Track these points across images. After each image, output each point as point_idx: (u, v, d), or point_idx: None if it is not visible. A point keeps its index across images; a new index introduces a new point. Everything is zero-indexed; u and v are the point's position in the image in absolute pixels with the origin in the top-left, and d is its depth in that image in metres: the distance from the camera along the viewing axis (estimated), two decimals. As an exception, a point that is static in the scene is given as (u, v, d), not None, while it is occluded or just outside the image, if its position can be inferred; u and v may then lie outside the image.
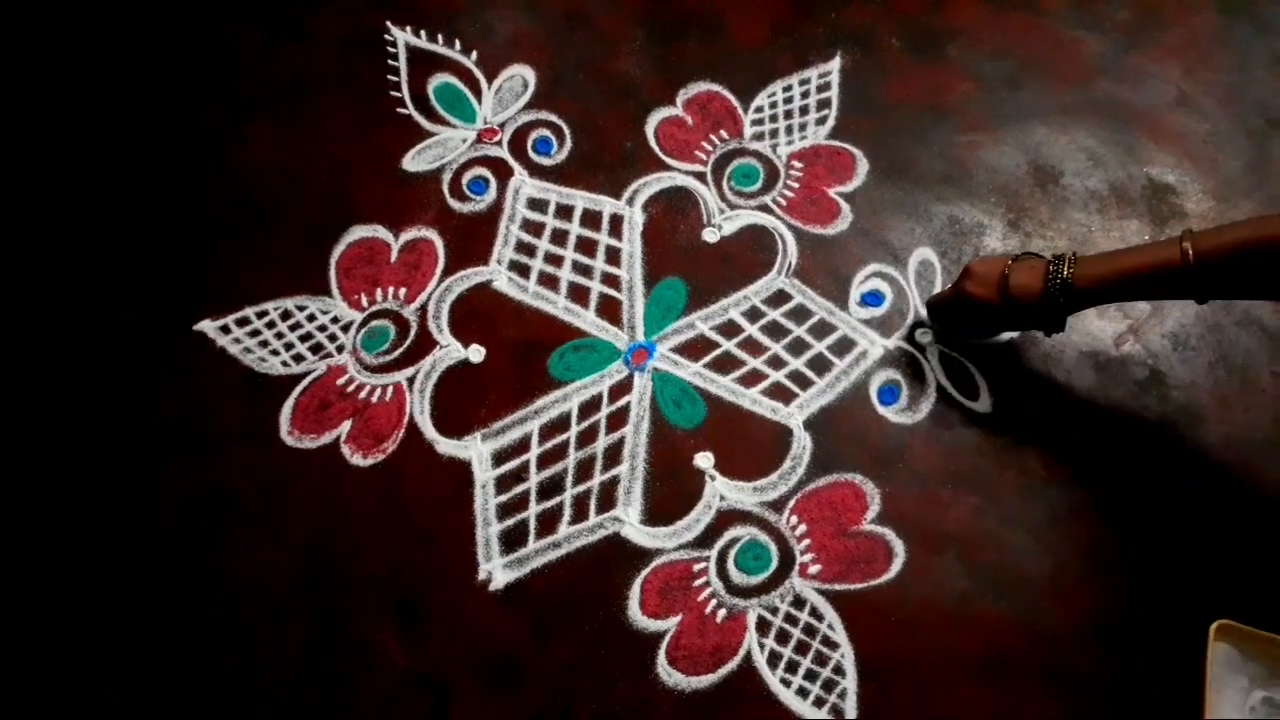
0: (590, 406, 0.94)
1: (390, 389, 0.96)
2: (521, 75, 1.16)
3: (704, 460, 0.91)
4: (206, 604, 0.86)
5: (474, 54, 1.18)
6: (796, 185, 1.07)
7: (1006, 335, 0.95)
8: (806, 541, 0.86)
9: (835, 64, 1.15)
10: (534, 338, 0.98)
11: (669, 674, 0.81)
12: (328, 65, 1.18)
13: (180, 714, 0.82)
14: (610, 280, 1.02)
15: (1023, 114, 1.11)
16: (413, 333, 0.99)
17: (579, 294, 1.01)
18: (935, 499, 0.88)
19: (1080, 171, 1.06)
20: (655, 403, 0.94)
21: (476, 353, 0.98)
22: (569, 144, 1.11)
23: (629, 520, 0.88)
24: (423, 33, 1.20)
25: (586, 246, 1.04)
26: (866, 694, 0.79)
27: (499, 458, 0.92)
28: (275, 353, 0.98)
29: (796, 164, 1.08)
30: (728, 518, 0.88)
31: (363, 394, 0.96)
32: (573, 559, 0.87)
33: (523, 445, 0.92)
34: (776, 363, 0.96)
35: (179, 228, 1.07)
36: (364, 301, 1.02)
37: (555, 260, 1.03)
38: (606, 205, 1.07)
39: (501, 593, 0.85)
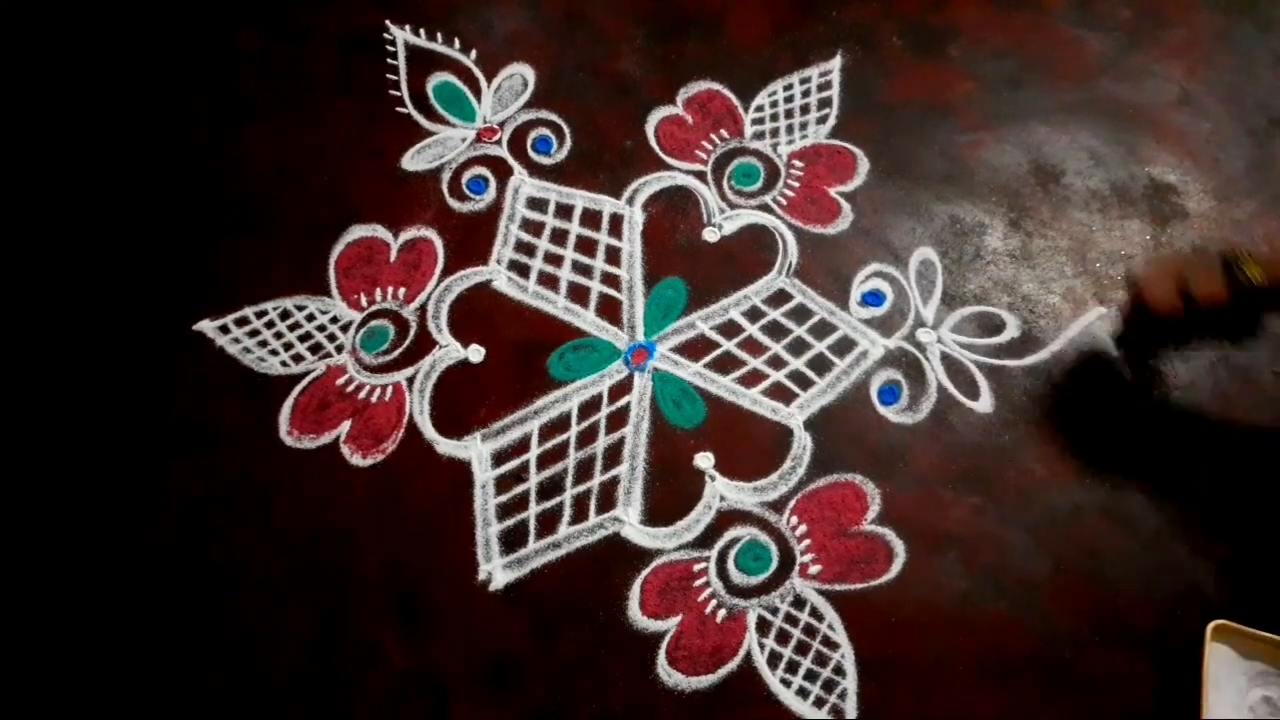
0: (590, 406, 0.94)
1: (390, 389, 0.96)
2: (521, 74, 1.16)
3: (704, 460, 0.90)
4: (206, 604, 0.86)
5: (473, 53, 1.18)
6: (797, 184, 1.07)
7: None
8: (807, 542, 0.86)
9: (836, 63, 1.15)
10: (534, 338, 0.98)
11: (669, 674, 0.81)
12: (328, 65, 1.18)
13: (181, 713, 0.82)
14: (610, 280, 1.02)
15: (1024, 113, 1.10)
16: (412, 333, 0.99)
17: (579, 294, 1.01)
18: (935, 499, 0.88)
19: (1082, 171, 1.06)
20: (655, 403, 0.94)
21: (476, 353, 0.98)
22: (569, 143, 1.11)
23: (629, 520, 0.88)
24: (422, 31, 1.19)
25: (586, 246, 1.04)
26: (867, 694, 0.79)
27: (499, 458, 0.92)
28: (274, 353, 0.98)
29: (797, 163, 1.08)
30: (728, 518, 0.88)
31: (362, 394, 0.96)
32: (573, 559, 0.87)
33: (522, 445, 0.92)
34: (777, 363, 0.96)
35: (179, 228, 1.07)
36: (363, 301, 1.01)
37: (555, 260, 1.03)
38: (606, 204, 1.07)
39: (501, 593, 0.85)
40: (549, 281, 1.02)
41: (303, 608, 0.86)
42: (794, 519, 0.87)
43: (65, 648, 0.86)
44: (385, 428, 0.94)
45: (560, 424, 0.93)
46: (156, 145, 1.13)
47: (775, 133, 1.10)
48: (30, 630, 0.87)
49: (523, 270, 1.03)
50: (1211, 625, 0.75)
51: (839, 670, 0.80)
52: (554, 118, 1.13)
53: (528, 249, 1.04)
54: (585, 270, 1.02)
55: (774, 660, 0.81)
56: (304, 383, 0.97)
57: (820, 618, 0.82)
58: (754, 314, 0.99)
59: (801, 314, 0.99)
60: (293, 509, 0.90)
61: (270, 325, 1.00)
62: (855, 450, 0.90)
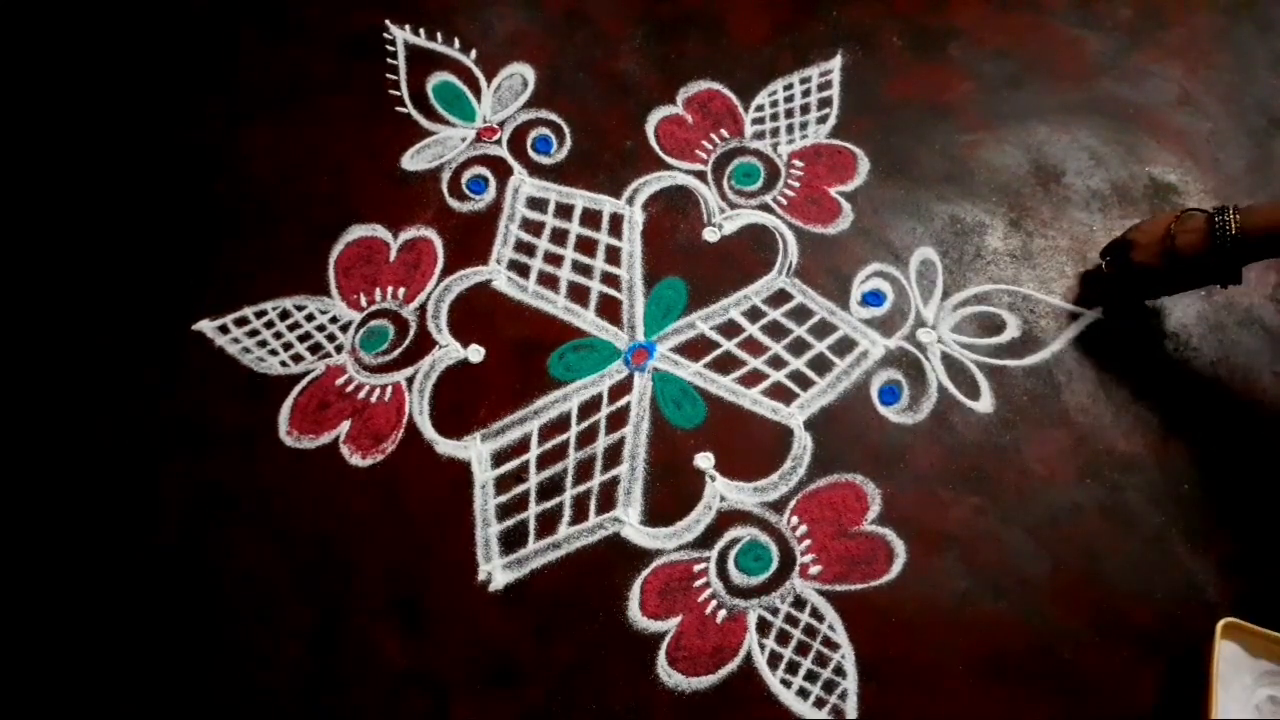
0: (590, 407, 0.94)
1: (389, 389, 0.96)
2: (521, 74, 1.16)
3: (704, 461, 0.90)
4: (206, 604, 0.86)
5: (473, 52, 1.18)
6: (797, 184, 1.07)
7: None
8: (807, 542, 0.86)
9: (836, 62, 1.15)
10: (534, 337, 0.98)
11: (669, 675, 0.81)
12: (327, 65, 1.18)
13: (180, 714, 0.82)
14: (610, 280, 1.02)
15: (1024, 113, 1.10)
16: (412, 332, 0.99)
17: (579, 293, 1.01)
18: (936, 499, 0.88)
19: (1082, 170, 1.06)
20: (655, 403, 0.94)
21: (476, 353, 0.98)
22: (569, 143, 1.11)
23: (629, 521, 0.88)
24: (422, 31, 1.19)
25: (586, 246, 1.04)
26: (867, 695, 0.79)
27: (499, 458, 0.92)
28: (274, 353, 0.98)
29: (797, 163, 1.08)
30: (728, 518, 0.88)
31: (362, 394, 0.96)
32: (573, 560, 0.87)
33: (522, 445, 0.92)
34: (777, 363, 0.96)
35: (179, 228, 1.07)
36: (363, 301, 1.01)
37: (555, 260, 1.03)
38: (606, 204, 1.07)
39: (501, 593, 0.85)
40: (549, 281, 1.02)
41: (303, 608, 0.86)
42: (794, 519, 0.87)
43: (65, 647, 0.86)
44: (385, 428, 0.94)
45: (560, 424, 0.93)
46: (156, 145, 1.13)
47: (775, 132, 1.10)
48: (30, 630, 0.87)
49: (523, 270, 1.03)
50: (1222, 623, 0.75)
51: (839, 671, 0.80)
52: (554, 117, 1.13)
53: (528, 249, 1.04)
54: (585, 270, 1.02)
55: (774, 661, 0.81)
56: (303, 383, 0.97)
57: (820, 618, 0.82)
58: (754, 314, 0.99)
59: (802, 314, 0.99)
60: (292, 509, 0.90)
61: (270, 325, 1.00)
62: (855, 450, 0.90)
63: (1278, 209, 0.77)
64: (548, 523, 0.88)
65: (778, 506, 0.88)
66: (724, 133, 1.11)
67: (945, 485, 0.88)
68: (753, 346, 0.97)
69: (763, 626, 0.82)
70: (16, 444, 0.95)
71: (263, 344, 0.99)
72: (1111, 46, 1.15)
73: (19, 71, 1.19)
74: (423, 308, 1.01)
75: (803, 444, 0.91)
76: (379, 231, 1.05)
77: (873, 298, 0.99)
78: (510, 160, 1.10)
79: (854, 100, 1.12)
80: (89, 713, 0.83)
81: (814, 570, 0.85)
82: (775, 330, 0.98)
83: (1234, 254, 0.79)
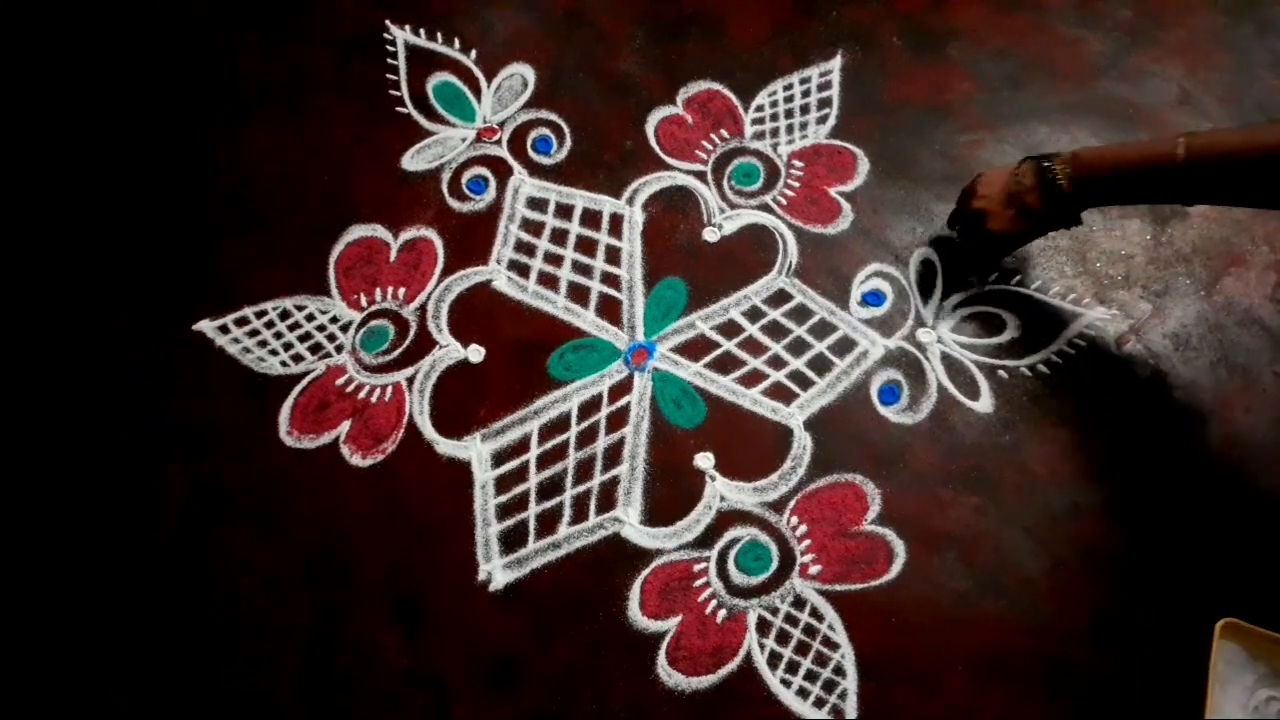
0: (590, 407, 0.94)
1: (389, 389, 0.96)
2: (521, 74, 1.16)
3: (704, 460, 0.90)
4: (206, 605, 0.86)
5: (473, 53, 1.18)
6: (797, 184, 1.07)
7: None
8: (807, 542, 0.86)
9: (836, 63, 1.15)
10: (534, 338, 0.98)
11: (669, 675, 0.81)
12: (327, 65, 1.18)
13: (180, 715, 0.82)
14: (610, 280, 1.02)
15: (1024, 113, 1.10)
16: (412, 333, 0.99)
17: (579, 293, 1.01)
18: (935, 499, 0.88)
19: (1081, 171, 1.06)
20: (655, 403, 0.94)
21: (476, 353, 0.98)
22: (569, 143, 1.11)
23: (629, 521, 0.88)
24: (422, 31, 1.20)
25: (586, 246, 1.04)
26: (867, 694, 0.79)
27: (499, 458, 0.92)
28: (274, 353, 0.98)
29: (797, 163, 1.08)
30: (728, 518, 0.88)
31: (362, 394, 0.96)
32: (572, 559, 0.87)
33: (522, 445, 0.92)
34: (777, 363, 0.96)
35: (178, 228, 1.07)
36: (363, 301, 1.01)
37: (555, 260, 1.03)
38: (606, 204, 1.07)
39: (501, 593, 0.85)
40: (549, 281, 1.02)
41: (302, 608, 0.86)
42: (794, 519, 0.87)
43: (63, 647, 0.86)
44: (385, 428, 0.94)
45: (560, 424, 0.93)
46: (156, 145, 1.13)
47: (775, 133, 1.10)
48: (28, 630, 0.87)
49: (523, 270, 1.03)
50: (1221, 623, 0.75)
51: (839, 670, 0.80)
52: (554, 118, 1.13)
53: (528, 249, 1.04)
54: (585, 270, 1.02)
55: (774, 660, 0.81)
56: (304, 383, 0.97)
57: (820, 618, 0.82)
58: (754, 314, 0.99)
59: (801, 314, 0.99)
60: (292, 509, 0.90)
61: (270, 325, 1.00)
62: (855, 450, 0.90)
63: (1103, 153, 0.80)
64: (548, 523, 0.88)
65: (778, 506, 0.88)
66: (724, 133, 1.11)
67: (945, 485, 0.88)
68: (753, 346, 0.97)
69: (763, 626, 0.82)
70: (16, 444, 0.95)
71: (263, 344, 0.99)
72: (1111, 46, 1.15)
73: (18, 71, 1.19)
74: (423, 308, 1.01)
75: (803, 444, 0.91)
76: (379, 231, 1.05)
77: (873, 298, 0.99)
78: (510, 160, 1.10)
79: (854, 100, 1.12)
80: (88, 713, 0.83)
81: (814, 570, 0.85)
82: (775, 330, 0.98)
83: (1073, 201, 0.82)
